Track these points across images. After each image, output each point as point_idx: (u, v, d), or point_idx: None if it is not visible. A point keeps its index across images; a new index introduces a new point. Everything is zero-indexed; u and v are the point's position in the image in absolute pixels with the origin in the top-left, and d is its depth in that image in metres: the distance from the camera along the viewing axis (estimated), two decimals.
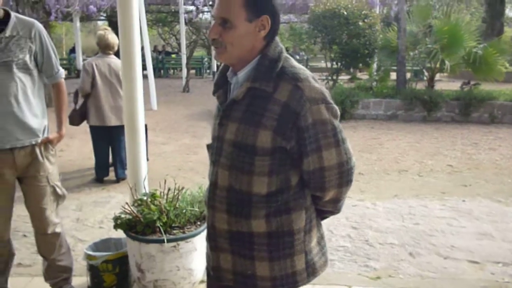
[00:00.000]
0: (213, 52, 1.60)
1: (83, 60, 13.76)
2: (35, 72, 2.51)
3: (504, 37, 17.96)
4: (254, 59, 1.49)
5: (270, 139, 1.42)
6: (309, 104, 1.41)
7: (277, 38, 1.53)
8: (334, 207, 1.60)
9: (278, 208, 1.49)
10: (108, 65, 4.98)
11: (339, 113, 1.50)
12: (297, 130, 1.42)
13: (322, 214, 1.64)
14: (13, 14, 2.44)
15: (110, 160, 5.32)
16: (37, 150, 2.52)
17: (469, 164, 5.97)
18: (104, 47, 5.00)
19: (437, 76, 10.21)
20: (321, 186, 1.50)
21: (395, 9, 11.75)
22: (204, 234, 2.04)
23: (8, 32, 2.37)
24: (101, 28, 5.87)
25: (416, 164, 5.96)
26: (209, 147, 1.64)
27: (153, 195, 2.78)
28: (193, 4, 13.25)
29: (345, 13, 9.70)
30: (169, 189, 2.82)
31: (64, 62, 21.20)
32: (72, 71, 19.35)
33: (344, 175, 1.50)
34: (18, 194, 2.59)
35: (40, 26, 2.53)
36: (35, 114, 2.50)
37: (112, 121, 5.00)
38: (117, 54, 3.94)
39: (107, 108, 4.97)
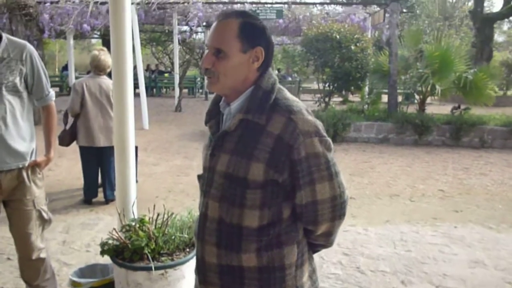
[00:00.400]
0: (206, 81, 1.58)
1: (76, 77, 13.73)
2: (24, 95, 2.48)
3: (493, 61, 18.29)
4: (247, 90, 1.47)
5: (263, 172, 1.40)
6: (303, 137, 1.39)
7: (271, 69, 1.52)
8: (326, 240, 1.57)
9: (270, 242, 1.45)
10: (99, 85, 4.94)
11: (332, 146, 1.48)
12: (290, 163, 1.40)
13: (314, 248, 1.60)
14: (4, 36, 2.42)
15: (100, 180, 5.25)
16: (24, 174, 2.48)
17: (460, 189, 5.98)
18: (95, 68, 4.97)
19: (428, 99, 10.32)
20: (313, 219, 1.47)
21: (386, 33, 11.91)
22: (193, 261, 1.99)
23: None
24: (97, 48, 5.86)
25: (408, 189, 5.95)
26: (200, 177, 1.60)
27: (141, 221, 2.72)
28: (187, 24, 13.33)
29: (338, 37, 9.80)
30: (158, 214, 2.77)
31: (57, 79, 21.19)
32: (64, 89, 19.32)
33: (337, 209, 1.47)
34: (3, 215, 2.53)
35: (31, 48, 2.50)
36: (23, 137, 2.46)
37: (101, 142, 4.94)
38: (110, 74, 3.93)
39: (97, 129, 4.92)
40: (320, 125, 1.46)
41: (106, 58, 4.95)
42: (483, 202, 5.45)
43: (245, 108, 1.43)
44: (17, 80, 2.41)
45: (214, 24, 1.48)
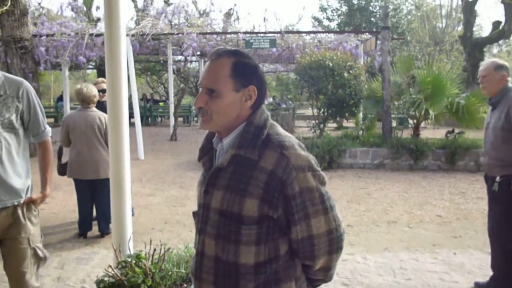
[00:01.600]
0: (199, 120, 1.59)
1: (71, 108, 13.77)
2: (21, 131, 2.48)
3: None
4: (240, 126, 1.48)
5: (257, 207, 1.40)
6: (296, 172, 1.40)
7: (263, 106, 1.54)
8: (325, 275, 1.56)
9: (267, 279, 1.44)
10: (84, 118, 4.93)
11: (326, 180, 1.49)
12: (283, 199, 1.40)
13: (314, 283, 1.59)
14: (1, 73, 2.43)
15: (95, 213, 5.20)
16: (19, 211, 2.46)
17: (458, 214, 5.96)
18: (81, 101, 5.01)
19: (422, 123, 10.39)
20: (310, 254, 1.46)
21: (378, 60, 12.08)
22: None
23: None
24: (98, 80, 5.91)
25: (405, 215, 5.93)
26: (195, 214, 1.60)
27: (138, 256, 2.69)
28: (181, 54, 13.48)
29: (331, 64, 9.92)
30: (154, 250, 2.74)
31: (52, 110, 21.23)
32: (59, 119, 19.32)
33: (334, 243, 1.47)
34: None
35: (28, 85, 2.52)
36: (18, 174, 2.44)
37: (89, 175, 4.90)
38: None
39: (82, 162, 4.88)
40: (313, 159, 1.47)
41: (89, 89, 4.96)
42: (481, 227, 5.42)
43: (237, 143, 1.44)
44: (13, 117, 2.41)
45: (207, 64, 1.50)
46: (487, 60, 3.62)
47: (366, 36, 14.13)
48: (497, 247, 3.57)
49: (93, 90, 5.01)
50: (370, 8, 27.35)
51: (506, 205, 3.39)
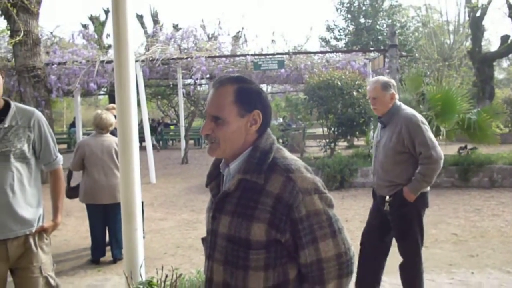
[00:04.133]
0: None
1: (83, 133, 13.94)
2: (32, 161, 2.51)
3: (496, 99, 18.37)
4: (246, 151, 1.49)
5: (264, 232, 1.39)
6: (302, 195, 1.39)
7: (269, 130, 1.54)
8: None
9: None
10: (100, 144, 5.00)
11: (333, 202, 1.48)
12: (291, 223, 1.39)
13: None
14: (13, 104, 2.47)
15: (107, 239, 5.20)
16: (31, 240, 2.46)
17: (474, 232, 5.85)
18: (97, 126, 5.07)
19: None
20: (320, 279, 1.43)
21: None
22: None
23: (7, 123, 2.39)
24: (109, 107, 5.99)
25: None
26: (204, 240, 1.59)
27: (149, 283, 2.67)
28: (190, 78, 13.62)
29: (339, 83, 9.95)
30: (166, 276, 2.72)
31: (64, 136, 21.51)
32: (72, 145, 19.56)
33: (344, 267, 1.44)
34: (10, 279, 2.48)
35: (39, 114, 2.55)
36: (30, 203, 2.46)
37: (104, 199, 4.94)
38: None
39: (99, 187, 4.92)
40: (319, 182, 1.46)
41: (108, 116, 5.05)
42: (499, 245, 5.32)
43: (243, 168, 1.44)
44: (25, 147, 2.44)
45: (210, 92, 1.52)
46: (373, 80, 3.53)
47: (374, 54, 14.17)
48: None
49: (111, 118, 5.08)
50: (377, 26, 27.49)
51: (402, 220, 3.37)
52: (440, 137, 9.95)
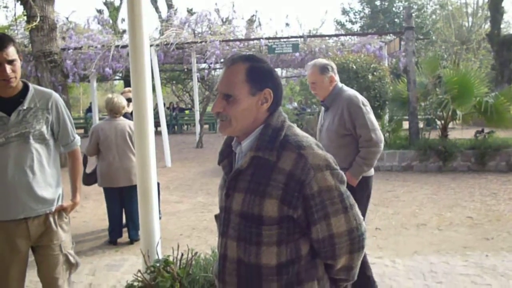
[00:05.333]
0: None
1: (100, 118, 14.10)
2: (51, 142, 2.56)
3: None
4: (258, 129, 1.51)
5: (277, 208, 1.41)
6: (314, 171, 1.41)
7: (280, 108, 1.56)
8: (347, 274, 1.55)
9: (290, 280, 1.45)
10: (114, 128, 5.06)
11: (345, 178, 1.49)
12: (303, 199, 1.41)
13: (336, 283, 1.58)
14: (31, 86, 2.52)
15: (124, 221, 5.30)
16: (51, 219, 2.53)
17: (489, 216, 5.82)
18: (110, 111, 5.12)
19: (450, 124, 10.18)
20: (332, 254, 1.46)
21: (403, 61, 11.92)
22: None
23: (26, 105, 2.45)
24: (125, 90, 6.05)
25: (435, 217, 5.82)
26: (217, 217, 1.63)
27: (166, 261, 2.73)
28: (205, 62, 13.62)
29: (354, 67, 9.85)
30: (182, 254, 2.78)
31: (81, 121, 21.77)
32: (89, 130, 19.82)
33: (355, 242, 1.47)
34: (31, 259, 2.57)
35: (57, 96, 2.60)
36: (49, 183, 2.52)
37: (121, 182, 5.02)
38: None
39: (114, 170, 5.00)
40: (331, 158, 1.47)
41: (119, 100, 5.12)
42: None
43: (256, 146, 1.46)
44: (44, 129, 2.50)
45: (222, 70, 1.53)
46: (310, 64, 3.33)
47: (389, 37, 13.97)
48: None
49: (123, 101, 5.14)
50: (394, 9, 27.06)
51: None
52: (457, 120, 9.86)
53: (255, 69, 1.49)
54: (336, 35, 16.90)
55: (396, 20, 26.16)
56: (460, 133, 11.21)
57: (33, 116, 2.46)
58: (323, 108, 3.47)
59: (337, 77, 3.33)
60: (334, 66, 3.34)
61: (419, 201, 6.70)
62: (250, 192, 1.45)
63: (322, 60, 3.35)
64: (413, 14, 11.52)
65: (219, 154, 1.63)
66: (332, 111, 3.27)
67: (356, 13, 29.21)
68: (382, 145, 3.21)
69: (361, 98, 3.23)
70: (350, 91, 3.29)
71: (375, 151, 3.17)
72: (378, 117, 10.95)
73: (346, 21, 29.61)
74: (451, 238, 5.02)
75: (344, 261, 1.48)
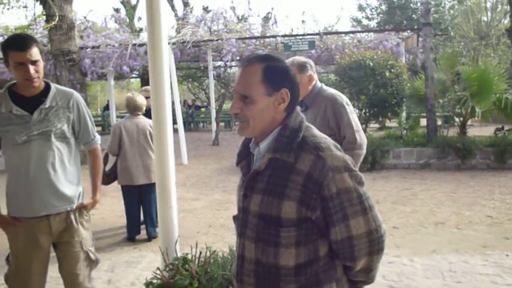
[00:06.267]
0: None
1: (117, 116, 14.23)
2: (72, 140, 2.60)
3: None
4: (275, 130, 1.50)
5: (295, 209, 1.41)
6: (332, 173, 1.40)
7: (298, 108, 1.55)
8: (366, 276, 1.55)
9: (308, 281, 1.45)
10: (136, 125, 5.13)
11: (364, 179, 1.48)
12: (321, 200, 1.41)
13: (355, 285, 1.58)
14: (53, 86, 2.57)
15: (142, 218, 5.36)
16: (72, 216, 2.58)
17: (509, 215, 5.72)
18: (132, 109, 5.18)
19: (469, 121, 10.04)
20: (351, 255, 1.45)
21: (421, 57, 11.79)
22: None
23: (48, 103, 2.49)
24: (144, 89, 6.11)
25: (453, 216, 5.75)
26: (235, 218, 1.63)
27: (184, 259, 2.76)
28: (221, 60, 13.65)
29: (371, 64, 9.78)
30: (200, 253, 2.80)
31: (99, 119, 22.02)
32: (106, 128, 20.06)
33: (374, 244, 1.46)
34: (53, 254, 2.61)
35: (78, 96, 2.64)
36: (71, 181, 2.57)
37: (140, 180, 5.08)
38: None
39: (135, 167, 5.07)
40: (349, 159, 1.46)
41: (140, 98, 5.20)
42: None
43: (273, 147, 1.46)
44: (65, 127, 2.54)
45: (239, 70, 1.53)
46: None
47: (407, 33, 13.81)
48: None
49: (143, 99, 5.21)
50: (411, 4, 26.74)
51: None
52: (476, 118, 9.71)
53: (272, 69, 1.49)
54: (353, 32, 16.77)
55: (413, 16, 25.86)
56: (479, 131, 11.04)
57: (55, 114, 2.51)
58: (302, 108, 3.38)
59: (315, 76, 3.24)
60: (313, 64, 3.25)
61: (437, 199, 6.63)
62: (268, 193, 1.45)
63: (300, 58, 3.26)
64: (431, 10, 11.36)
65: (237, 155, 1.64)
66: (313, 110, 3.18)
67: (372, 9, 28.96)
68: (365, 147, 3.12)
69: (344, 97, 3.17)
70: (332, 90, 3.23)
71: (360, 154, 3.09)
72: (396, 114, 10.87)
73: (363, 17, 29.39)
74: (470, 237, 4.96)
75: (363, 263, 1.48)
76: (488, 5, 25.06)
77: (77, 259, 2.61)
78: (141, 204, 5.27)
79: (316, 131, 1.52)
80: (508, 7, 20.92)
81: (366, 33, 15.31)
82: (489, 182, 7.61)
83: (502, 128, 9.59)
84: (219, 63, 15.84)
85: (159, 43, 3.08)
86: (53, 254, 2.62)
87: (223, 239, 5.08)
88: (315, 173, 1.40)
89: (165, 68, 3.14)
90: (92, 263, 2.69)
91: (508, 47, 23.46)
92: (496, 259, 4.27)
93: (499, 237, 4.93)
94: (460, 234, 5.06)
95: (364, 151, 3.12)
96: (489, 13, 24.98)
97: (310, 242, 1.45)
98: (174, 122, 12.06)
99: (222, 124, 19.63)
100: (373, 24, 28.50)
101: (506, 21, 23.00)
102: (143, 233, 5.29)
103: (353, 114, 3.12)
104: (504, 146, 8.68)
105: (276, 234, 1.44)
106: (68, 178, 2.56)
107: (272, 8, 24.08)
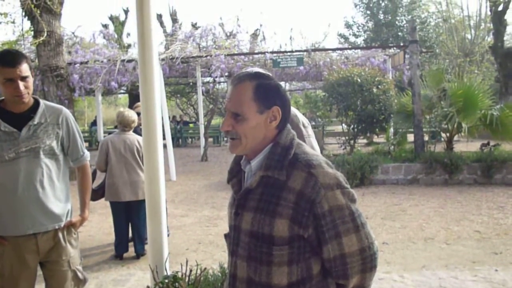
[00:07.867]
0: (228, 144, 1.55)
1: (104, 132, 14.14)
2: (61, 157, 2.57)
3: None
4: (267, 147, 1.50)
5: (287, 227, 1.40)
6: (324, 190, 1.40)
7: (289, 125, 1.55)
8: None
9: None
10: (123, 141, 5.09)
11: (356, 196, 1.48)
12: (313, 218, 1.40)
13: None
14: (41, 102, 2.54)
15: (130, 235, 5.29)
16: (60, 234, 2.53)
17: (497, 230, 5.77)
18: (120, 124, 5.15)
19: (455, 137, 10.16)
20: (343, 273, 1.44)
21: (407, 74, 11.96)
22: None
23: (36, 120, 2.47)
24: (136, 105, 6.08)
25: (442, 231, 5.78)
26: (226, 236, 1.61)
27: (174, 278, 2.72)
28: (210, 76, 13.70)
29: (359, 80, 9.88)
30: (191, 270, 2.76)
31: (86, 134, 21.85)
32: (93, 143, 19.89)
33: (367, 261, 1.45)
34: (39, 273, 2.56)
35: (67, 112, 2.62)
36: (59, 198, 2.53)
37: (127, 196, 5.02)
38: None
39: (121, 184, 5.01)
40: (341, 176, 1.46)
41: (130, 114, 5.15)
42: None
43: (265, 164, 1.45)
44: (54, 144, 2.51)
45: (229, 88, 1.53)
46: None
47: (393, 50, 14.03)
48: None
49: (134, 115, 5.17)
50: (397, 22, 27.22)
51: None
52: (462, 133, 9.83)
53: (262, 87, 1.49)
54: (341, 49, 16.98)
55: (399, 33, 26.29)
56: (466, 146, 11.18)
57: (44, 131, 2.48)
58: None
59: None
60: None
61: (426, 214, 6.66)
62: (259, 211, 1.44)
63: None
64: (416, 27, 11.56)
65: (228, 172, 1.62)
66: None
67: (359, 27, 29.38)
68: None
69: (301, 117, 2.94)
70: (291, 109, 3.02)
71: None
72: (383, 130, 10.98)
73: (350, 34, 29.78)
74: (459, 252, 4.98)
75: (356, 281, 1.47)
76: (472, 23, 25.58)
77: (64, 279, 2.56)
78: (129, 221, 5.20)
79: (307, 148, 1.52)
80: (491, 25, 21.41)
81: (354, 50, 15.50)
82: (477, 197, 7.68)
83: (488, 143, 9.71)
84: (208, 79, 15.89)
85: (150, 59, 3.07)
86: (39, 273, 2.57)
87: (212, 256, 5.03)
88: (307, 191, 1.39)
89: (155, 84, 3.14)
90: (80, 282, 2.64)
91: (491, 64, 23.93)
92: (486, 275, 4.29)
93: (488, 252, 4.95)
94: (449, 250, 5.08)
95: None
96: (472, 31, 25.49)
97: (302, 260, 1.44)
98: (163, 137, 12.05)
99: (210, 139, 19.61)
100: (360, 41, 28.90)
101: (490, 38, 23.50)
102: (131, 251, 5.22)
103: (310, 138, 2.85)
104: (491, 162, 8.79)
105: (269, 252, 1.42)
106: (57, 196, 2.52)
107: (261, 25, 24.36)
